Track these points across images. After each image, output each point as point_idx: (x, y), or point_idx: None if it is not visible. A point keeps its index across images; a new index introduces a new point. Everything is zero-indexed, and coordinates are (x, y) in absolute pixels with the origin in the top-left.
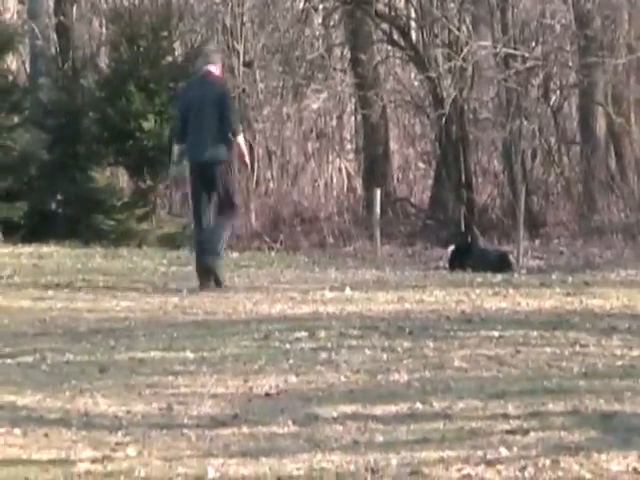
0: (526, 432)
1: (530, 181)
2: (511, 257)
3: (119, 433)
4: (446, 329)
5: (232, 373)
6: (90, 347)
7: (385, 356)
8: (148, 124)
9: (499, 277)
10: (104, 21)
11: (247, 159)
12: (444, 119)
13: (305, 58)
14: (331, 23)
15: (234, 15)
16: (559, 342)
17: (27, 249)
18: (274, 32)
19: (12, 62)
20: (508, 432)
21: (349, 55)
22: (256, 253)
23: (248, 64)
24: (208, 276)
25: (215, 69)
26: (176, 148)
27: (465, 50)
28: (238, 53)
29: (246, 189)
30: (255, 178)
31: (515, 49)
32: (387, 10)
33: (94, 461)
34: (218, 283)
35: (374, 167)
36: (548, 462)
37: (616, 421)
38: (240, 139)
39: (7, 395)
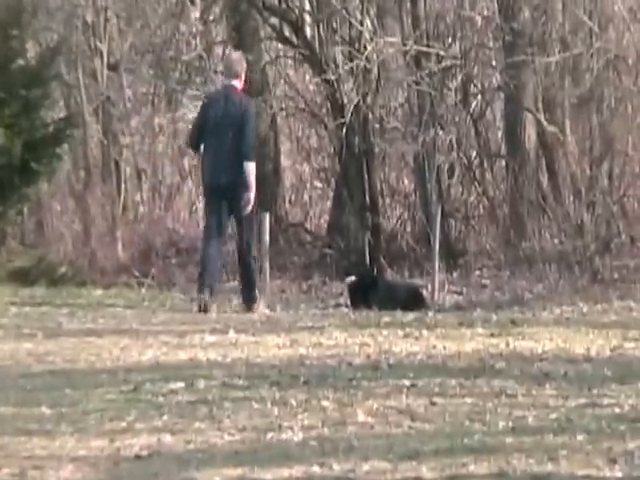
0: None
1: (447, 202)
2: (425, 292)
3: None
4: (348, 378)
5: (96, 432)
6: None
7: (276, 410)
8: None
9: (410, 316)
10: None
11: (251, 194)
12: (345, 129)
13: (180, 59)
14: (211, 18)
15: (96, 10)
16: (482, 392)
17: None
18: (144, 29)
19: None
20: None
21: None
22: (123, 290)
23: (113, 67)
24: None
25: (238, 83)
26: None
27: (369, 48)
28: (101, 54)
29: (111, 214)
30: (122, 201)
31: (428, 46)
32: (277, 1)
33: None
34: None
35: (262, 187)
36: None
37: None
38: (250, 166)
39: None
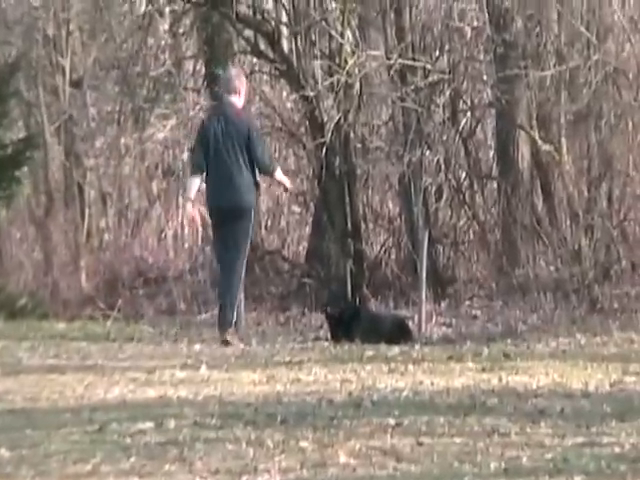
0: None
1: (434, 227)
2: (411, 324)
3: None
4: (329, 416)
5: (59, 475)
6: None
7: (252, 452)
8: None
9: (396, 349)
10: None
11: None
12: (325, 150)
13: (148, 75)
14: (180, 30)
15: (58, 23)
16: (472, 431)
17: None
18: (108, 43)
19: None
20: None
21: (203, 70)
22: (88, 323)
23: (76, 83)
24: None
25: (238, 99)
26: (191, 180)
27: (350, 62)
28: (63, 70)
29: (74, 242)
30: (85, 228)
31: (414, 60)
32: (251, 13)
33: None
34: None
35: None
36: None
37: None
38: (279, 174)
39: None
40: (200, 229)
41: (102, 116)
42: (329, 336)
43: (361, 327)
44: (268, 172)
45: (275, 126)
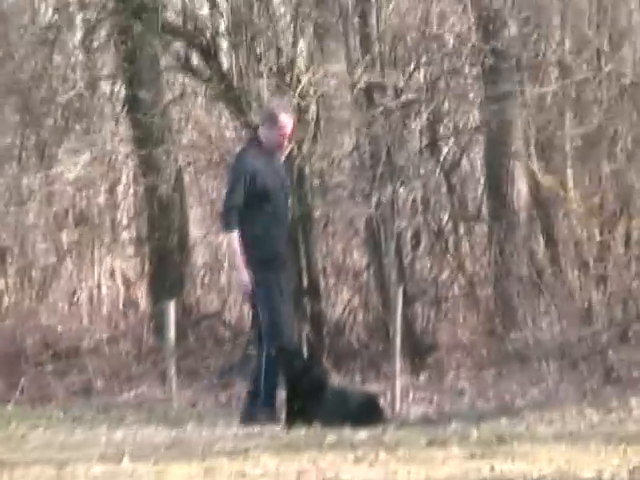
0: None
1: (410, 282)
2: (382, 401)
3: None
4: None
5: None
6: None
7: None
8: None
9: (364, 433)
10: None
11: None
12: None
13: (55, 101)
14: (95, 44)
15: None
16: None
17: None
18: (5, 62)
19: None
20: None
21: (123, 93)
22: None
23: None
24: None
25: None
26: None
27: (305, 80)
28: None
29: None
30: None
31: (383, 76)
32: (181, 21)
33: None
34: None
35: (166, 266)
36: None
37: None
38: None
39: None
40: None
41: None
42: (281, 417)
43: (321, 406)
44: None
45: (212, 160)
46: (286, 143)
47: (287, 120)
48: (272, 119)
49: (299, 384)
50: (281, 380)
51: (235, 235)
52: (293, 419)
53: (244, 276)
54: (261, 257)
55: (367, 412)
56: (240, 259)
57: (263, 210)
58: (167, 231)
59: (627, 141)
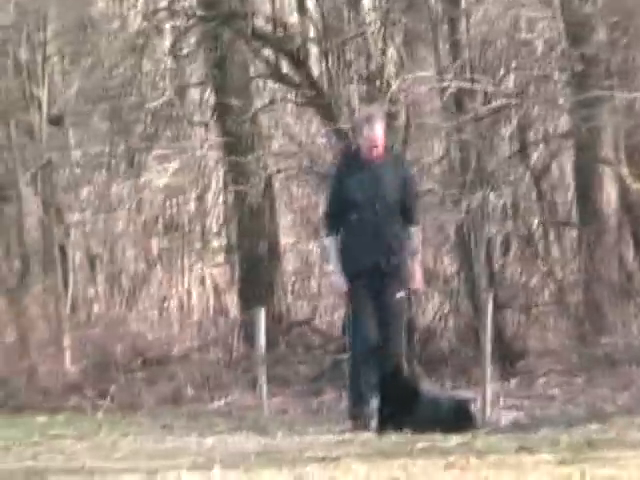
0: None
1: (501, 287)
2: (472, 407)
3: None
4: None
5: None
6: None
7: None
8: None
9: (454, 440)
10: None
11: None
12: None
13: (144, 107)
14: (184, 51)
15: (32, 45)
16: None
17: None
18: (95, 69)
19: None
20: None
21: (213, 100)
22: (74, 415)
23: (55, 120)
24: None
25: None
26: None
27: (394, 86)
28: (39, 103)
29: (55, 316)
30: (69, 298)
31: (473, 81)
32: (271, 28)
33: None
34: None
35: (256, 273)
36: None
37: None
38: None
39: None
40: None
41: (88, 160)
42: (373, 424)
43: (412, 412)
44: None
45: (302, 166)
46: (377, 151)
47: (372, 131)
48: (359, 129)
49: (391, 390)
50: (373, 386)
51: (330, 240)
52: (384, 425)
53: (337, 277)
54: (345, 266)
55: (457, 418)
56: (335, 263)
57: (350, 220)
58: (257, 238)
59: None
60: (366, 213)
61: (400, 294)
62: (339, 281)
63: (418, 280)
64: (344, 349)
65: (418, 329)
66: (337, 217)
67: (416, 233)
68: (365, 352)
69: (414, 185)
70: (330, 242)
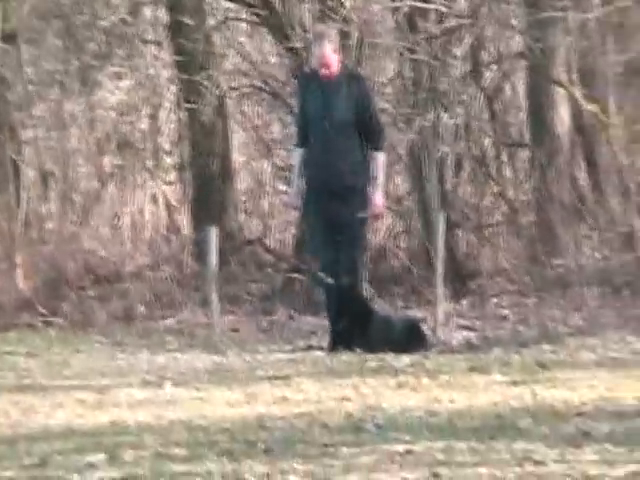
0: None
1: (453, 208)
2: (424, 327)
3: None
4: (323, 443)
5: None
6: None
7: None
8: None
9: (406, 359)
10: None
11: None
12: None
13: (97, 25)
14: None
15: None
16: (500, 458)
17: None
18: None
19: None
20: None
21: (166, 18)
22: (26, 332)
23: (8, 37)
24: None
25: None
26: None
27: (348, 5)
28: None
29: (8, 233)
30: (23, 214)
31: (426, 1)
32: None
33: None
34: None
35: (208, 192)
36: None
37: None
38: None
39: None
40: None
41: (41, 77)
42: (324, 344)
43: (362, 331)
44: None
45: (255, 85)
46: (328, 69)
47: (321, 48)
48: (312, 48)
49: (342, 309)
50: (324, 305)
51: (294, 154)
52: (336, 343)
53: (291, 194)
54: (302, 182)
55: (409, 337)
56: (294, 178)
57: (307, 136)
58: (210, 156)
59: None
60: (318, 130)
61: (359, 215)
62: (291, 199)
63: (377, 205)
64: (295, 268)
65: (370, 249)
66: (301, 131)
67: (379, 157)
68: (321, 270)
69: (371, 102)
70: (294, 156)
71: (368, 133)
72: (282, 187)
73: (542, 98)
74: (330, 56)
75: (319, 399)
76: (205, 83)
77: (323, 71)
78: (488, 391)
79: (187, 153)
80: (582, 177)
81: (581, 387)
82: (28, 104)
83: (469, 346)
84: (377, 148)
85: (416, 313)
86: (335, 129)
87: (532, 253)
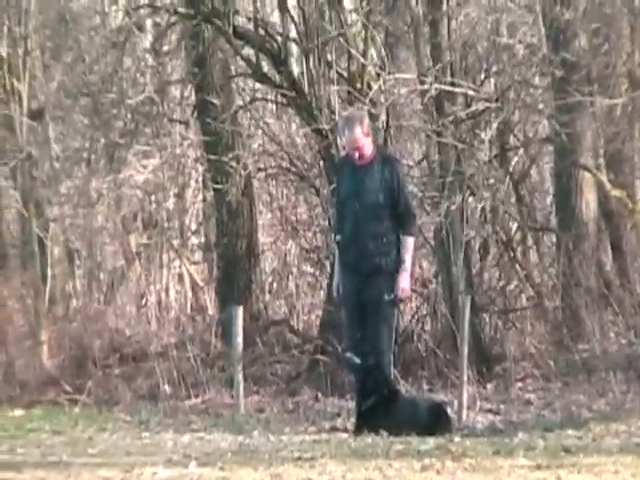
0: None
1: (478, 291)
2: (449, 410)
3: None
4: None
5: None
6: None
7: None
8: None
9: (430, 442)
10: None
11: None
12: None
13: (125, 104)
14: (165, 48)
15: (13, 39)
16: None
17: None
18: (76, 64)
19: None
20: None
21: (193, 98)
22: (51, 409)
23: (36, 114)
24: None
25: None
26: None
27: (375, 87)
28: (20, 97)
29: (34, 310)
30: (48, 292)
31: (453, 85)
32: (252, 27)
33: None
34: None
35: (234, 272)
36: None
37: None
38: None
39: None
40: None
41: (68, 155)
42: (350, 426)
43: (388, 414)
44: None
45: (282, 166)
46: (359, 153)
47: (350, 134)
48: (340, 133)
49: (368, 390)
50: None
51: (335, 245)
52: (361, 426)
53: (334, 281)
54: (338, 261)
55: (434, 420)
56: (335, 265)
57: (338, 218)
58: (235, 237)
59: None
60: (350, 212)
61: (386, 297)
62: (334, 288)
63: (403, 288)
64: (321, 349)
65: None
66: (339, 216)
67: (407, 241)
68: (348, 350)
69: (403, 186)
70: (335, 246)
71: (399, 217)
72: (308, 269)
73: (569, 183)
74: (362, 140)
75: None
76: (232, 163)
77: (356, 155)
78: (512, 475)
79: (213, 233)
80: (608, 262)
81: (605, 472)
82: (55, 181)
83: (494, 430)
84: (407, 233)
85: (441, 396)
86: (366, 211)
87: (557, 338)
